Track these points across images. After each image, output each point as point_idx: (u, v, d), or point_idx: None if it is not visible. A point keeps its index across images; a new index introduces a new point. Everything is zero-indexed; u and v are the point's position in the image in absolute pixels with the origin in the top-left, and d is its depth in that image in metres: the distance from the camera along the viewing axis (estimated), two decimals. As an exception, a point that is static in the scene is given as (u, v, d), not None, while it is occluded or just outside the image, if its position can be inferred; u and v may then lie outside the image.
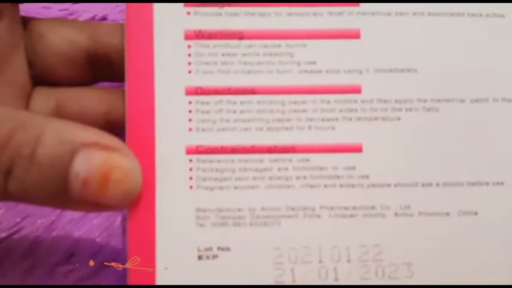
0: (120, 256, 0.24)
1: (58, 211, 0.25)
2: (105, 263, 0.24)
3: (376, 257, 0.20)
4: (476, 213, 0.20)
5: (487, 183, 0.20)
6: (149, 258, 0.20)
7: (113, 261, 0.24)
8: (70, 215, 0.25)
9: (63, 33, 0.22)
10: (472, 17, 0.21)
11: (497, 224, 0.20)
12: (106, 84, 0.26)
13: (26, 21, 0.22)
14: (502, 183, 0.20)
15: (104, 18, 0.28)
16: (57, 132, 0.18)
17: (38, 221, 0.25)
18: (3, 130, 0.17)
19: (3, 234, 0.25)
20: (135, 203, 0.20)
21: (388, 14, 0.21)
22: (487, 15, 0.21)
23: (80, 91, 0.23)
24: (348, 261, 0.20)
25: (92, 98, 0.23)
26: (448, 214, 0.20)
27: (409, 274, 0.20)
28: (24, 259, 0.24)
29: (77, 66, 0.23)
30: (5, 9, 0.21)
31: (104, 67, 0.23)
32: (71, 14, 0.28)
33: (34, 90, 0.23)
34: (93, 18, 0.28)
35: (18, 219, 0.25)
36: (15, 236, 0.25)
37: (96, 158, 0.18)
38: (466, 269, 0.20)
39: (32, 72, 0.23)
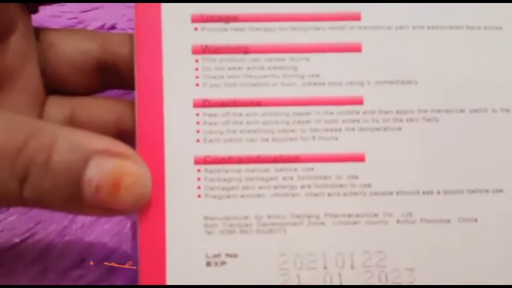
0: (130, 260, 0.25)
1: (70, 217, 0.25)
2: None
3: (379, 263, 0.20)
4: (476, 220, 0.21)
5: (487, 191, 0.21)
6: (159, 264, 0.20)
7: (124, 265, 0.25)
8: (81, 220, 0.25)
9: (73, 43, 0.23)
10: (470, 29, 0.21)
11: (496, 231, 0.21)
12: (115, 92, 0.26)
13: (37, 31, 0.23)
14: (501, 191, 0.21)
15: (113, 27, 0.28)
16: (70, 140, 0.18)
17: (50, 226, 0.25)
18: (19, 137, 0.18)
19: (16, 240, 0.25)
20: (146, 211, 0.20)
21: (389, 28, 0.21)
22: (485, 28, 0.21)
23: (92, 101, 0.24)
24: (352, 267, 0.20)
25: (103, 108, 0.24)
26: (448, 221, 0.21)
27: (411, 280, 0.20)
28: (36, 263, 0.25)
29: (86, 74, 0.23)
30: (19, 20, 0.21)
31: (113, 75, 0.24)
32: (79, 23, 0.28)
33: (48, 99, 0.23)
34: (102, 27, 0.28)
35: (31, 225, 0.25)
36: (28, 241, 0.25)
37: (108, 165, 0.18)
38: (467, 275, 0.20)
39: (44, 81, 0.23)
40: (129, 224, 0.26)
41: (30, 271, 0.25)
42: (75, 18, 0.29)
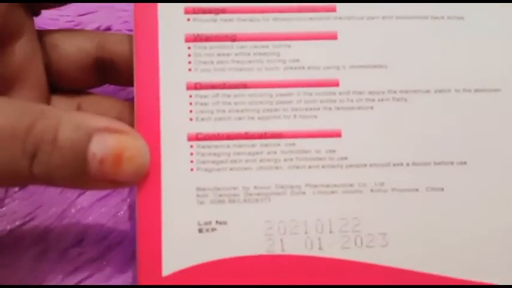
0: (127, 239, 0.26)
1: (69, 201, 0.26)
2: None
3: (355, 228, 0.22)
4: (442, 189, 0.22)
5: (452, 163, 0.22)
6: (156, 231, 0.21)
7: (120, 243, 0.26)
8: (80, 204, 0.26)
9: (74, 42, 0.24)
10: (434, 19, 0.23)
11: (461, 199, 0.22)
12: (111, 88, 0.28)
13: (40, 34, 0.24)
14: (465, 163, 0.22)
15: (108, 29, 0.29)
16: (73, 121, 0.19)
17: (50, 210, 0.26)
18: (27, 119, 0.19)
19: (18, 223, 0.26)
20: (144, 184, 0.22)
21: (361, 18, 0.23)
22: (448, 18, 0.23)
23: (95, 98, 0.26)
24: (330, 232, 0.22)
25: (105, 105, 0.25)
26: (417, 190, 0.22)
27: (384, 243, 0.22)
28: (36, 244, 0.25)
29: (85, 71, 0.25)
30: (26, 23, 0.23)
31: (110, 71, 0.25)
32: (77, 25, 0.29)
33: (52, 98, 0.25)
34: (97, 29, 0.29)
35: (32, 209, 0.26)
36: (29, 224, 0.26)
37: (110, 140, 0.19)
38: (435, 240, 0.22)
39: (48, 79, 0.24)
40: (125, 207, 0.26)
41: (31, 251, 0.25)
42: (73, 21, 0.29)
